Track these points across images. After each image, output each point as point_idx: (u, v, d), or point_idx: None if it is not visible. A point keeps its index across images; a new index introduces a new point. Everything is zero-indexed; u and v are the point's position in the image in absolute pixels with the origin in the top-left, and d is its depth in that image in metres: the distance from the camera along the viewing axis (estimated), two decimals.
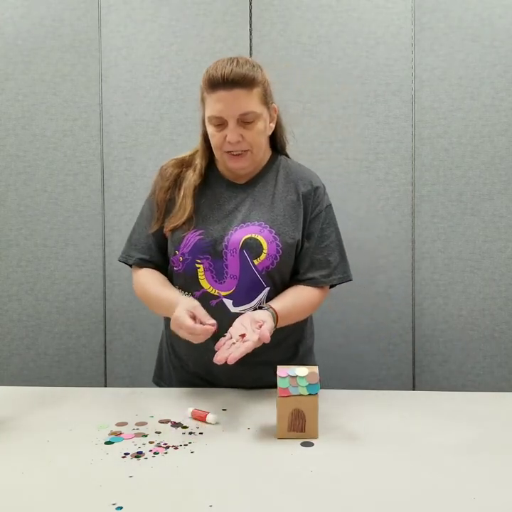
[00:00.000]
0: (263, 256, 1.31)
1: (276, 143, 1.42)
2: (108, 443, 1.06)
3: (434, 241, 2.08)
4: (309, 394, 1.07)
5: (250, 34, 2.08)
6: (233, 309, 1.31)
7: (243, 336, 1.14)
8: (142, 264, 1.41)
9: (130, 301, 2.16)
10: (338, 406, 1.24)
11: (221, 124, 1.27)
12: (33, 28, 2.11)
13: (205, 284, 1.33)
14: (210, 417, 1.15)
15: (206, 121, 1.31)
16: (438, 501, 0.85)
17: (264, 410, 1.21)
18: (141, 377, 2.16)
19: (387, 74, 2.06)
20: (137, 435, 1.09)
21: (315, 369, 1.09)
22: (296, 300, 1.34)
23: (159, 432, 1.11)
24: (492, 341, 2.08)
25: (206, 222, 1.34)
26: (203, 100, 1.32)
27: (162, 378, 1.50)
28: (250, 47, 2.08)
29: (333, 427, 1.12)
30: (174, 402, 1.26)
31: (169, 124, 2.11)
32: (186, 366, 1.43)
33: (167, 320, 1.43)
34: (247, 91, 1.26)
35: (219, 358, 1.08)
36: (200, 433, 1.10)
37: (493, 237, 2.06)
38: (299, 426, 1.07)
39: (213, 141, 1.31)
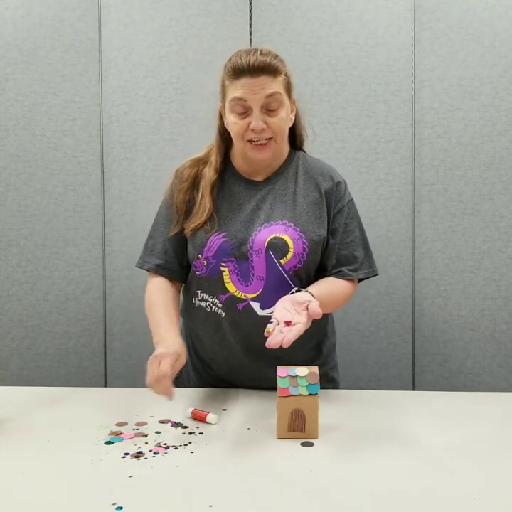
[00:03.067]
0: (290, 255, 1.28)
1: (295, 138, 1.40)
2: (108, 443, 1.06)
3: (434, 241, 2.08)
4: (309, 394, 1.07)
5: (250, 34, 2.08)
6: (260, 312, 1.28)
7: (288, 323, 1.08)
8: (158, 270, 1.40)
9: (130, 301, 2.16)
10: (338, 406, 1.24)
11: (244, 112, 1.25)
12: (33, 28, 2.11)
13: (230, 287, 1.30)
14: (210, 417, 1.15)
15: (227, 109, 1.28)
16: (438, 501, 0.85)
17: (264, 410, 1.21)
18: (141, 377, 2.15)
19: (387, 74, 2.06)
20: (137, 435, 1.09)
21: (315, 369, 1.09)
22: (331, 288, 1.32)
23: (159, 432, 1.11)
24: (492, 341, 2.08)
25: (228, 223, 1.31)
26: (223, 90, 1.29)
27: (179, 380, 1.45)
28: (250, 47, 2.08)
29: (333, 427, 1.12)
30: (174, 402, 1.26)
31: (169, 124, 2.11)
32: (208, 369, 1.41)
33: (187, 324, 1.43)
34: (272, 77, 1.24)
35: (273, 343, 1.02)
36: (200, 433, 1.10)
37: (493, 237, 2.06)
38: (299, 426, 1.07)
39: (235, 129, 1.27)
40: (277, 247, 1.28)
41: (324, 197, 1.34)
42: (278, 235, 1.28)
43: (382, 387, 2.08)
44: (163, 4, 2.10)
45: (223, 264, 1.29)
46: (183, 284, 1.43)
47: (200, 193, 1.34)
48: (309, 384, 1.07)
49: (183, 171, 1.39)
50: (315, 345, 1.40)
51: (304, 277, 1.32)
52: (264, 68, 1.23)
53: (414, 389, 2.10)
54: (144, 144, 2.12)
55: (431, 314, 2.09)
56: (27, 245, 2.16)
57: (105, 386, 2.17)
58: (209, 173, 1.34)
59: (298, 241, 1.29)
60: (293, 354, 1.22)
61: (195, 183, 1.36)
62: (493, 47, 2.03)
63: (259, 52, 1.26)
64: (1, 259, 2.16)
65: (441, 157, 2.06)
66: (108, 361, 2.17)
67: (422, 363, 2.10)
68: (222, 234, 1.30)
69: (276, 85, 1.25)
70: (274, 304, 1.22)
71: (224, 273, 1.30)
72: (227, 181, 1.37)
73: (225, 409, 1.22)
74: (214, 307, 1.33)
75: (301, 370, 1.08)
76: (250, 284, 1.29)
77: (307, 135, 1.43)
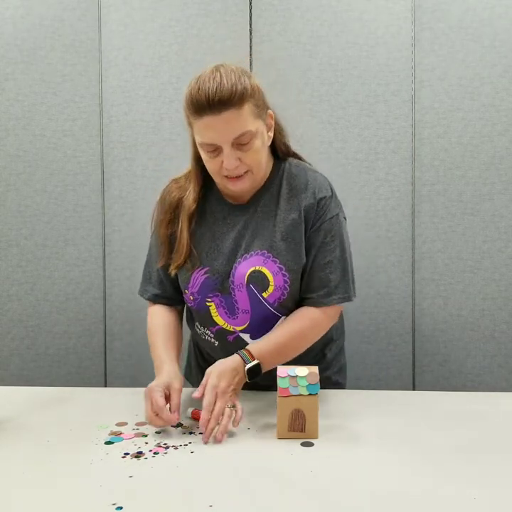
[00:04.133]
0: (271, 289, 1.23)
1: (277, 149, 1.30)
2: (108, 443, 1.06)
3: (434, 241, 2.08)
4: (309, 394, 1.07)
5: (250, 34, 2.08)
6: (251, 342, 1.27)
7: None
8: (157, 299, 1.39)
9: (130, 301, 2.16)
10: (338, 406, 1.24)
11: (215, 150, 1.16)
12: (33, 28, 2.11)
13: (219, 320, 1.29)
14: None
15: (198, 147, 1.20)
16: (438, 501, 0.85)
17: (264, 410, 1.21)
18: (141, 377, 2.16)
19: (387, 74, 2.06)
20: (137, 435, 1.09)
21: (315, 369, 1.09)
22: (291, 333, 1.24)
23: (159, 432, 1.11)
24: (492, 341, 2.08)
25: (210, 256, 1.27)
26: (189, 124, 1.20)
27: (190, 379, 1.50)
28: (250, 47, 2.08)
29: (333, 427, 1.12)
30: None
31: (169, 124, 2.11)
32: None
33: (191, 323, 1.42)
34: (237, 110, 1.12)
35: (205, 440, 1.06)
36: (200, 433, 1.10)
37: (493, 237, 2.06)
38: (299, 426, 1.07)
39: (209, 167, 1.21)
40: (257, 281, 1.23)
41: (303, 216, 1.24)
42: (257, 267, 1.23)
43: (382, 387, 2.08)
44: (163, 4, 2.10)
45: (208, 299, 1.27)
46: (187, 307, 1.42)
47: (180, 225, 1.28)
48: (309, 384, 1.07)
49: (165, 197, 1.33)
50: (319, 351, 1.39)
51: (291, 305, 1.28)
52: (226, 102, 1.10)
53: (414, 389, 2.10)
54: (143, 144, 2.12)
55: (431, 314, 2.09)
56: (27, 245, 2.16)
57: (105, 386, 2.17)
58: (187, 203, 1.27)
59: (277, 274, 1.23)
60: (294, 364, 1.21)
61: (176, 213, 1.30)
62: (493, 47, 2.02)
63: (219, 78, 1.12)
64: (1, 259, 2.16)
65: (441, 157, 2.06)
66: (108, 361, 2.17)
67: (422, 363, 2.10)
68: (205, 269, 1.26)
69: (243, 119, 1.13)
70: (264, 333, 1.27)
71: (211, 307, 1.28)
72: (210, 206, 1.30)
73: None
74: (207, 337, 1.34)
75: (301, 370, 1.08)
76: (237, 317, 1.27)
77: (289, 143, 1.32)
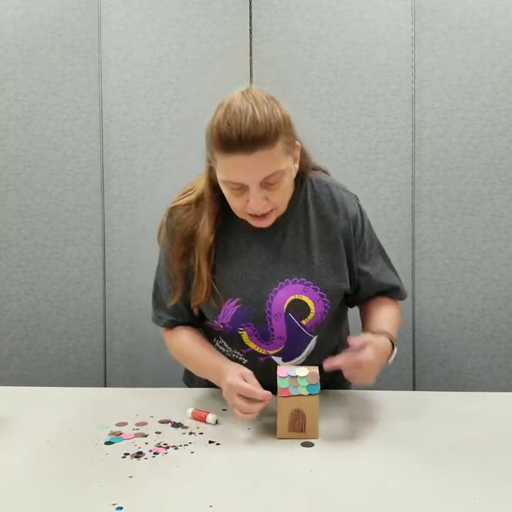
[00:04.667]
0: (311, 315, 1.19)
1: (300, 171, 1.20)
2: (108, 443, 1.06)
3: (434, 241, 2.08)
4: (309, 394, 1.07)
5: (250, 34, 2.08)
6: (282, 364, 1.23)
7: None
8: (173, 325, 1.29)
9: (130, 301, 2.16)
10: (338, 406, 1.24)
11: (240, 188, 1.07)
12: (33, 28, 2.11)
13: (251, 344, 1.22)
14: (210, 417, 1.15)
15: (220, 182, 1.10)
16: (438, 501, 0.85)
17: (264, 410, 1.21)
18: (141, 377, 2.16)
19: (387, 74, 2.06)
20: (137, 435, 1.09)
21: (315, 369, 1.09)
22: (393, 318, 1.27)
23: (159, 432, 1.11)
24: (492, 341, 2.08)
25: (239, 285, 1.18)
26: (212, 156, 1.08)
27: (193, 379, 1.42)
28: (250, 47, 2.08)
29: (333, 427, 1.12)
30: (174, 402, 1.26)
31: (169, 124, 2.11)
32: None
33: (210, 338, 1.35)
34: (269, 149, 1.02)
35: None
36: (200, 433, 1.10)
37: (493, 237, 2.06)
38: (299, 426, 1.07)
39: (231, 204, 1.12)
40: (297, 309, 1.18)
41: (342, 240, 1.20)
42: (297, 296, 1.17)
43: (382, 387, 2.06)
44: (163, 4, 2.10)
45: (241, 328, 1.20)
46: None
47: (197, 260, 1.17)
48: (309, 384, 1.07)
49: (174, 228, 1.19)
50: (332, 350, 1.35)
51: (325, 325, 1.25)
52: (259, 141, 1.01)
53: (414, 389, 2.10)
54: (143, 144, 2.12)
55: (431, 314, 2.09)
56: (27, 245, 2.16)
57: (105, 386, 2.17)
58: (204, 236, 1.16)
59: (319, 301, 1.18)
60: (308, 361, 1.24)
61: (191, 245, 1.18)
62: (493, 47, 2.03)
63: (251, 115, 1.01)
64: (1, 259, 2.16)
65: (442, 157, 2.06)
66: (108, 361, 2.17)
67: (422, 363, 2.10)
68: (236, 300, 1.17)
69: (274, 158, 1.04)
70: (296, 356, 1.24)
71: (242, 335, 1.21)
72: (230, 233, 1.19)
73: (225, 410, 1.22)
74: (235, 355, 1.27)
75: (301, 370, 1.08)
76: (271, 342, 1.22)
77: (310, 161, 1.24)
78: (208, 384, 1.32)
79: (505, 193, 2.05)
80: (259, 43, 2.08)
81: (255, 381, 1.09)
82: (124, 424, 1.15)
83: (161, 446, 1.04)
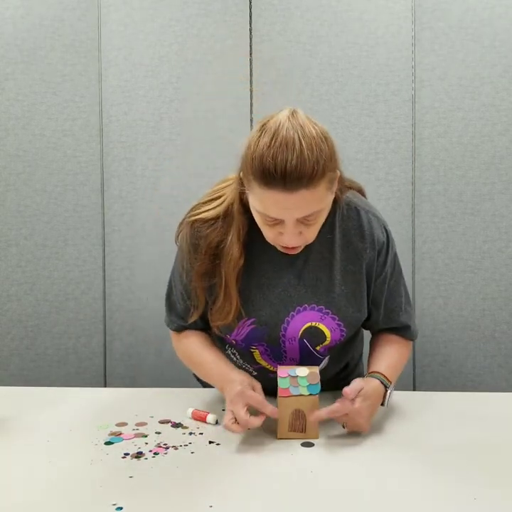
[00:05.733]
0: (326, 343, 1.17)
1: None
2: (108, 443, 1.06)
3: (434, 241, 2.08)
4: (310, 394, 1.07)
5: (250, 34, 2.08)
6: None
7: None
8: (184, 330, 1.27)
9: (130, 301, 2.16)
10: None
11: (274, 220, 1.01)
12: (33, 28, 2.11)
13: (262, 362, 1.21)
14: (210, 417, 1.15)
15: (253, 209, 1.04)
16: (438, 501, 0.85)
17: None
18: (141, 378, 2.16)
19: (387, 74, 2.06)
20: (137, 435, 1.09)
21: (315, 369, 1.09)
22: (400, 359, 1.22)
23: (159, 432, 1.11)
24: (492, 341, 2.08)
25: (256, 305, 1.14)
26: (248, 183, 1.01)
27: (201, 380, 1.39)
28: (250, 47, 2.08)
29: (334, 427, 1.12)
30: (174, 402, 1.25)
31: (169, 123, 2.11)
32: None
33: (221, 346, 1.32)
34: (312, 189, 0.96)
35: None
36: (200, 433, 1.10)
37: (493, 237, 2.06)
38: (299, 426, 1.07)
39: (264, 232, 1.06)
40: (313, 336, 1.16)
41: (365, 269, 1.15)
42: (314, 323, 1.15)
43: None
44: (163, 4, 2.10)
45: (253, 347, 1.18)
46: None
47: (223, 281, 1.11)
48: (310, 384, 1.07)
49: (199, 240, 1.13)
50: (344, 365, 1.35)
51: (339, 346, 1.23)
52: (302, 179, 0.94)
53: (414, 389, 2.10)
54: (143, 144, 2.12)
55: (431, 314, 2.09)
56: (26, 245, 2.15)
57: (105, 386, 2.17)
58: (233, 258, 1.10)
59: (335, 330, 1.16)
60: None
61: (215, 262, 1.12)
62: (493, 47, 2.03)
63: (299, 151, 0.94)
64: (0, 259, 2.16)
65: (442, 157, 2.06)
66: (108, 361, 2.17)
67: (422, 363, 2.10)
68: (251, 320, 1.15)
69: (316, 199, 0.98)
70: None
71: (255, 353, 1.20)
72: (253, 250, 1.14)
73: (224, 410, 1.22)
74: (245, 367, 1.26)
75: (302, 371, 1.08)
76: (283, 362, 1.20)
77: (344, 183, 1.15)
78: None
79: (505, 193, 2.05)
80: (259, 43, 2.08)
81: (263, 395, 1.07)
82: (124, 424, 1.15)
83: (161, 447, 1.04)
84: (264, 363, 1.22)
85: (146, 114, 2.12)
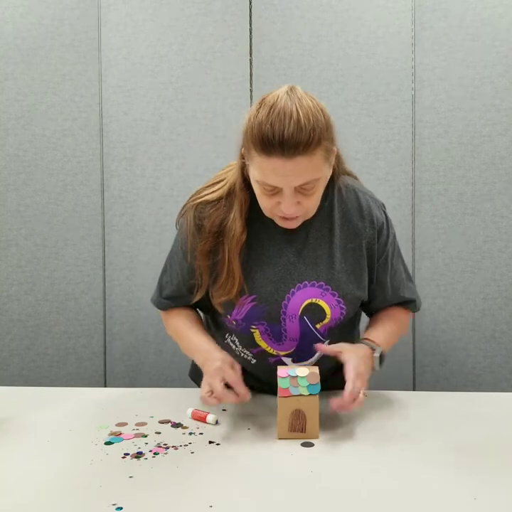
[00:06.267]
0: (326, 320, 1.18)
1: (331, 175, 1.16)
2: (108, 443, 1.06)
3: (434, 241, 2.08)
4: (310, 394, 1.07)
5: (250, 34, 2.08)
6: (291, 365, 1.21)
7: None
8: (173, 309, 1.31)
9: (130, 301, 2.16)
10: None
11: (273, 189, 1.04)
12: (33, 27, 2.11)
13: (262, 344, 1.22)
14: (210, 417, 1.15)
15: (253, 180, 1.08)
16: (438, 501, 0.85)
17: (264, 410, 1.21)
18: (141, 377, 2.16)
19: (387, 74, 2.06)
20: (137, 435, 1.09)
21: (315, 369, 1.09)
22: (395, 329, 1.28)
23: (159, 432, 1.11)
24: (492, 341, 2.08)
25: (257, 283, 1.16)
26: (248, 153, 1.05)
27: (199, 375, 1.38)
28: (250, 47, 2.08)
29: (334, 427, 1.12)
30: (174, 402, 1.25)
31: (169, 123, 2.11)
32: None
33: (217, 333, 1.34)
34: (310, 156, 1.00)
35: (346, 408, 1.06)
36: (200, 433, 1.10)
37: (493, 237, 2.06)
38: (299, 426, 1.07)
39: (262, 203, 1.10)
40: (313, 314, 1.17)
41: (365, 248, 1.18)
42: (314, 300, 1.16)
43: (382, 387, 2.07)
44: (163, 4, 2.10)
45: (253, 326, 1.19)
46: (212, 315, 1.33)
47: (227, 257, 1.14)
48: (310, 384, 1.07)
49: (203, 220, 1.16)
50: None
51: (337, 330, 1.24)
52: (299, 146, 0.98)
53: (414, 389, 2.10)
54: (143, 144, 2.12)
55: (431, 314, 2.09)
56: (26, 245, 2.15)
57: (105, 386, 2.17)
58: (236, 233, 1.13)
59: (335, 307, 1.17)
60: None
61: (218, 240, 1.16)
62: (493, 47, 2.03)
63: (297, 118, 0.98)
64: (1, 259, 2.16)
65: (442, 157, 2.06)
66: (108, 361, 2.17)
67: (422, 363, 2.10)
68: (252, 297, 1.16)
69: (313, 166, 1.02)
70: (306, 358, 1.18)
71: (255, 333, 1.20)
72: (254, 229, 1.17)
73: (225, 410, 1.22)
74: (244, 354, 1.27)
75: (302, 371, 1.08)
76: (283, 343, 1.21)
77: (344, 166, 1.22)
78: None
79: (505, 193, 2.05)
80: (259, 43, 2.08)
81: (240, 376, 1.11)
82: (124, 424, 1.15)
83: (161, 447, 1.04)
84: (263, 345, 1.22)
85: (146, 114, 2.12)
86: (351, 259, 1.18)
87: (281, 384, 1.07)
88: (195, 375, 1.44)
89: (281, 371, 1.08)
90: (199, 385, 1.39)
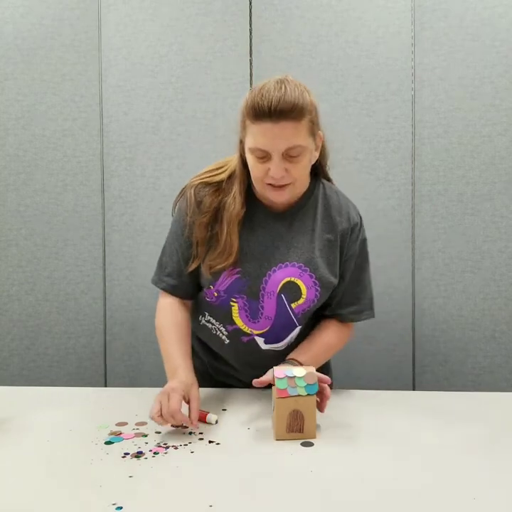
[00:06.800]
0: (301, 301, 1.26)
1: (318, 170, 1.33)
2: (108, 443, 1.06)
3: (434, 241, 2.08)
4: (308, 394, 1.07)
5: (250, 34, 2.08)
6: (264, 347, 1.31)
7: None
8: (173, 291, 1.35)
9: (130, 301, 2.16)
10: (337, 406, 1.24)
11: (264, 156, 1.16)
12: (33, 27, 2.11)
13: (238, 321, 1.29)
14: (210, 417, 1.15)
15: (246, 149, 1.20)
16: (438, 501, 0.85)
17: (264, 410, 1.21)
18: (141, 377, 2.16)
19: (387, 74, 2.06)
20: (137, 435, 1.09)
21: (312, 369, 1.09)
22: (321, 345, 1.31)
23: (159, 432, 1.11)
24: (492, 341, 2.08)
25: (244, 258, 1.26)
26: (243, 127, 1.20)
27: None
28: (250, 47, 2.08)
29: (333, 427, 1.12)
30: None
31: (169, 123, 2.11)
32: (205, 364, 1.43)
33: (196, 315, 1.40)
34: (295, 123, 1.14)
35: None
36: (200, 433, 1.10)
37: (493, 237, 2.06)
38: (297, 427, 1.07)
39: (254, 173, 1.20)
40: (290, 291, 1.26)
41: (339, 240, 1.29)
42: (292, 278, 1.25)
43: (382, 387, 2.08)
44: (163, 4, 2.10)
45: (233, 299, 1.27)
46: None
47: (225, 229, 1.25)
48: (307, 384, 1.07)
49: (203, 197, 1.27)
50: None
51: (308, 316, 1.33)
52: (286, 113, 1.13)
53: (414, 389, 2.10)
54: (143, 144, 2.12)
55: (431, 314, 2.09)
56: (27, 245, 2.15)
57: (105, 386, 2.17)
58: (236, 208, 1.24)
59: (311, 288, 1.26)
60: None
61: (217, 215, 1.27)
62: (493, 47, 2.03)
63: (283, 88, 1.15)
64: (1, 259, 2.16)
65: (442, 157, 2.06)
66: (108, 361, 2.17)
67: (422, 363, 2.10)
68: (237, 270, 1.25)
69: (298, 133, 1.15)
70: (278, 340, 1.30)
71: (233, 308, 1.28)
72: (248, 209, 1.28)
73: (225, 409, 1.22)
74: (219, 333, 1.34)
75: (299, 371, 1.08)
76: (258, 321, 1.28)
77: (329, 168, 1.37)
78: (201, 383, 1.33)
79: (505, 193, 2.05)
80: (259, 43, 2.08)
81: (196, 407, 1.12)
82: (124, 424, 1.15)
83: (161, 446, 1.04)
84: (239, 323, 1.29)
85: (146, 114, 2.12)
86: (327, 249, 1.28)
87: (279, 385, 1.07)
88: None
89: (279, 372, 1.08)
90: (202, 385, 1.42)
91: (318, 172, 1.34)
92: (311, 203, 1.30)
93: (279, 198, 1.22)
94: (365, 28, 2.06)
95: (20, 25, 2.11)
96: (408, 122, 2.06)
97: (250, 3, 2.08)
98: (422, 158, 2.07)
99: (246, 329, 1.29)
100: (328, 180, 1.39)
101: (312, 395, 1.07)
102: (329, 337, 1.33)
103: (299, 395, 1.07)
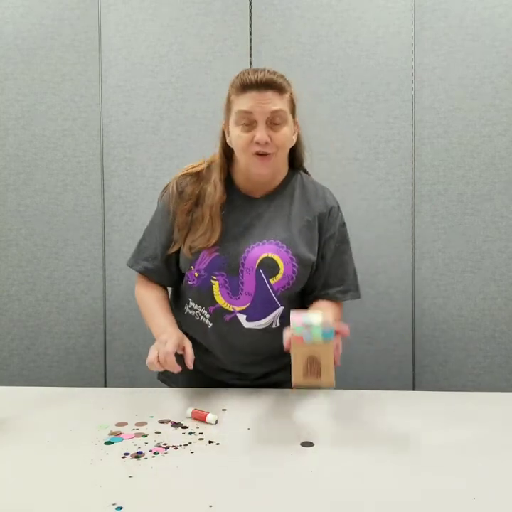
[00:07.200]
0: (279, 276, 1.31)
1: (294, 159, 1.41)
2: (108, 443, 1.06)
3: (434, 241, 2.08)
4: (324, 340, 1.04)
5: (250, 34, 2.08)
6: (247, 324, 1.33)
7: None
8: (147, 273, 1.42)
9: (130, 301, 2.15)
10: (338, 406, 1.24)
11: (249, 124, 1.25)
12: (33, 27, 2.11)
13: (219, 299, 1.33)
14: (210, 417, 1.15)
15: (232, 122, 1.29)
16: (438, 501, 0.85)
17: (264, 410, 1.21)
18: (141, 377, 2.16)
19: (387, 74, 2.06)
20: (137, 435, 1.09)
21: (329, 316, 1.08)
22: (333, 315, 1.33)
23: (159, 432, 1.11)
24: (492, 341, 2.08)
25: (223, 237, 1.32)
26: (228, 105, 1.30)
27: (168, 376, 1.48)
28: (250, 47, 2.08)
29: (333, 427, 1.12)
30: (174, 402, 1.26)
31: (169, 123, 2.11)
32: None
33: (178, 305, 1.45)
34: (278, 93, 1.26)
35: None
36: (200, 433, 1.10)
37: (493, 237, 2.06)
38: (314, 372, 1.05)
39: (239, 142, 1.28)
40: (268, 267, 1.31)
41: (317, 222, 1.36)
42: (270, 254, 1.31)
43: (382, 387, 2.08)
44: (163, 4, 2.10)
45: (214, 277, 1.32)
46: (174, 290, 1.47)
47: (208, 213, 1.32)
48: (324, 331, 1.04)
49: (184, 187, 1.36)
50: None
51: (293, 296, 1.37)
52: (271, 84, 1.25)
53: (414, 389, 2.10)
54: (143, 144, 2.12)
55: (431, 314, 2.09)
56: (27, 245, 2.15)
57: (105, 386, 2.17)
58: (217, 194, 1.33)
59: (288, 264, 1.31)
60: (274, 360, 1.34)
61: (199, 201, 1.35)
62: (493, 47, 2.03)
63: (266, 70, 1.27)
64: (1, 259, 2.16)
65: (442, 157, 2.06)
66: (108, 361, 2.17)
67: (422, 363, 2.10)
68: (216, 248, 1.32)
69: (281, 103, 1.26)
70: (260, 317, 1.34)
71: (214, 286, 1.33)
72: (227, 196, 1.36)
73: (225, 409, 1.22)
74: (202, 317, 1.37)
75: (315, 318, 1.06)
76: (239, 298, 1.33)
77: (305, 158, 1.43)
78: (187, 383, 1.38)
79: (505, 193, 2.05)
80: (259, 43, 2.08)
81: (191, 351, 1.24)
82: (124, 424, 1.15)
83: (161, 446, 1.04)
84: (221, 301, 1.33)
85: (146, 114, 2.12)
86: (305, 229, 1.35)
87: (296, 331, 1.05)
88: (165, 376, 1.47)
89: (295, 317, 1.06)
90: (169, 386, 1.46)
91: (296, 166, 1.42)
92: (288, 190, 1.38)
93: (263, 169, 1.29)
94: (365, 28, 2.06)
95: (20, 25, 2.11)
96: (408, 122, 2.06)
97: (250, 3, 2.08)
98: (422, 158, 2.07)
99: (228, 307, 1.33)
100: (306, 173, 1.45)
101: (329, 341, 1.05)
102: (332, 312, 1.35)
103: (316, 342, 1.04)
